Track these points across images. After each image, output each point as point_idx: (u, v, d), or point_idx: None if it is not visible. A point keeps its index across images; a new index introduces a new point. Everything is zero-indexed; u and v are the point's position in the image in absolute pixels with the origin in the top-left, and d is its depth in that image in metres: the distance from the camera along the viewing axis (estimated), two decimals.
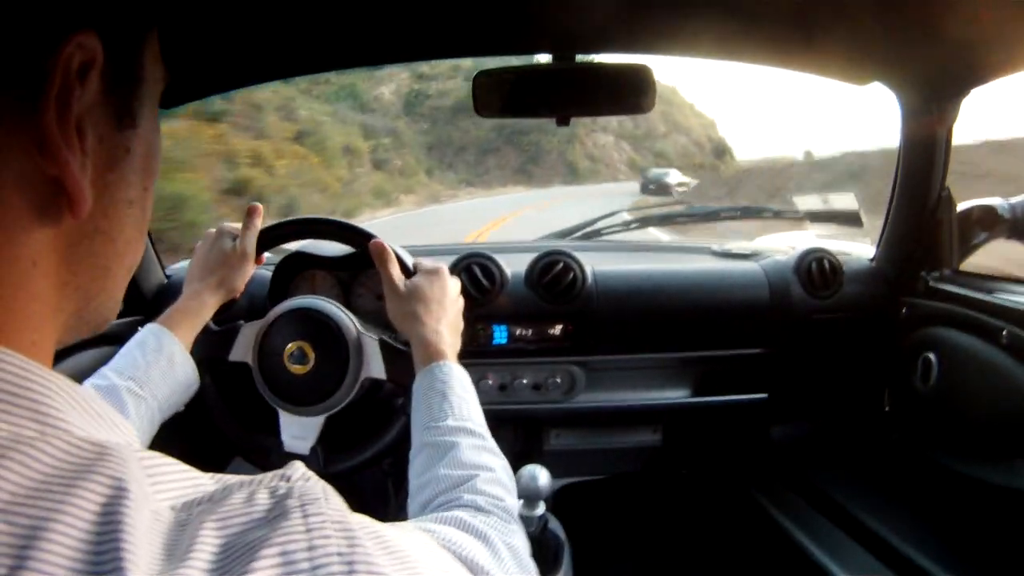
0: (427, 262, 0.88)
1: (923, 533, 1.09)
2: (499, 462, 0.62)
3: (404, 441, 0.78)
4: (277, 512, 0.25)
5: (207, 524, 0.24)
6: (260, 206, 0.92)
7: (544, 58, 1.05)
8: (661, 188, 19.81)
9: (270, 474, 0.28)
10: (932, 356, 1.16)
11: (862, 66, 1.15)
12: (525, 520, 0.95)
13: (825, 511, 1.25)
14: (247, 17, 0.92)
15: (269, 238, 0.94)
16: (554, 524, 1.08)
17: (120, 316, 1.12)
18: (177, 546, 0.23)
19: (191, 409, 0.85)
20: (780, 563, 1.25)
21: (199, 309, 0.85)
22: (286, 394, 0.90)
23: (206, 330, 0.90)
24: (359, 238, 0.92)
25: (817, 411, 1.46)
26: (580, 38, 1.05)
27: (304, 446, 0.90)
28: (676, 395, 1.36)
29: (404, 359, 0.84)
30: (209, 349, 0.91)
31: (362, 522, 0.27)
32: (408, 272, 0.86)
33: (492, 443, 0.65)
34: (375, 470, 0.95)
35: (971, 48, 1.00)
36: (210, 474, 0.28)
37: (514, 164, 35.44)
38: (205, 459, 1.04)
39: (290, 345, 0.88)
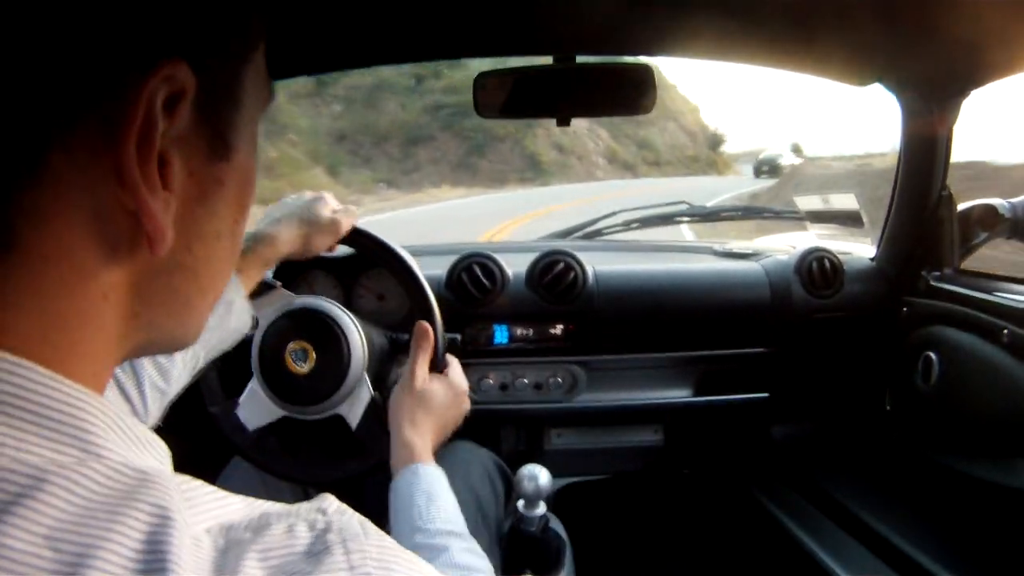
0: (456, 367, 0.89)
1: (924, 532, 1.09)
2: (485, 564, 0.64)
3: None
4: (319, 548, 0.25)
5: (249, 554, 0.24)
6: (355, 209, 0.91)
7: (544, 59, 1.05)
8: (774, 170, 19.59)
9: (305, 506, 0.28)
10: (933, 355, 1.16)
11: (862, 67, 1.16)
12: (526, 520, 0.96)
13: (826, 510, 1.25)
14: None
15: (353, 240, 0.92)
16: (555, 524, 1.08)
17: None
18: (222, 573, 0.23)
19: (191, 410, 0.85)
20: (782, 562, 1.25)
21: (268, 255, 0.82)
22: (287, 393, 0.90)
23: None
24: (419, 300, 0.91)
25: (818, 410, 1.47)
26: (580, 39, 1.05)
27: (253, 424, 0.91)
28: (677, 395, 1.36)
29: (380, 425, 0.86)
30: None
31: (399, 557, 0.27)
32: (436, 365, 0.87)
33: (477, 546, 0.66)
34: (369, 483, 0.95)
35: (972, 48, 1.00)
36: (239, 496, 0.28)
37: (453, 157, 25.27)
38: (204, 457, 1.05)
39: (291, 345, 0.89)
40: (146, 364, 0.63)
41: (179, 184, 0.27)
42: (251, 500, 0.28)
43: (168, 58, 0.24)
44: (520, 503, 0.97)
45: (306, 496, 0.87)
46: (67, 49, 0.22)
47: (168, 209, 0.26)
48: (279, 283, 0.92)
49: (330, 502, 0.28)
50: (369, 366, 0.92)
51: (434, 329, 0.88)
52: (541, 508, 0.96)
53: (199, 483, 0.27)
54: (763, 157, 22.29)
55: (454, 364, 0.90)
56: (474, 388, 1.28)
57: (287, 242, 0.83)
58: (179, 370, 0.68)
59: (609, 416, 1.38)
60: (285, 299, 0.91)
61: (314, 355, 0.89)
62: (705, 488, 1.56)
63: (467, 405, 0.87)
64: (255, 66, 0.30)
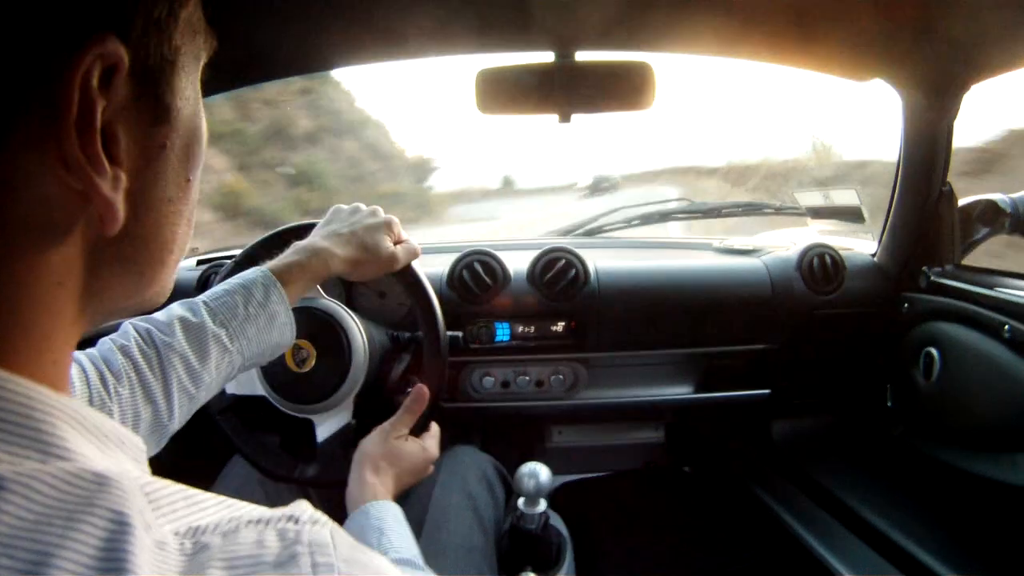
0: (434, 435, 0.90)
1: (925, 529, 1.10)
2: None
3: None
4: (286, 558, 0.25)
5: (215, 562, 0.24)
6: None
7: (545, 55, 1.05)
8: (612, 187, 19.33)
9: (278, 513, 0.27)
10: (934, 351, 1.16)
11: (863, 63, 1.15)
12: (527, 517, 0.96)
13: (828, 507, 1.26)
14: (246, 16, 0.92)
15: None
16: (556, 521, 1.08)
17: None
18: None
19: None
20: (783, 559, 1.25)
21: (320, 272, 0.76)
22: (288, 393, 0.90)
23: None
24: (431, 323, 0.91)
25: (819, 407, 1.47)
26: (581, 36, 1.05)
27: (232, 389, 0.92)
28: (678, 392, 1.36)
29: (344, 449, 0.88)
30: None
31: (368, 568, 0.27)
32: (418, 429, 0.88)
33: (431, 573, 0.65)
34: None
35: (973, 44, 1.00)
36: (211, 495, 0.28)
37: None
38: (205, 458, 1.05)
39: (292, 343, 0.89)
40: (177, 366, 0.61)
41: (125, 155, 0.26)
42: (226, 501, 0.28)
43: (94, 33, 0.24)
44: (521, 501, 0.97)
45: (306, 496, 0.87)
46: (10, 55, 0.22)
47: (118, 186, 0.26)
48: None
49: (303, 510, 0.28)
50: (370, 364, 0.92)
51: (437, 336, 0.89)
52: (542, 505, 0.97)
53: (168, 484, 0.26)
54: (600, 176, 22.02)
55: (434, 431, 0.91)
56: (475, 386, 1.28)
57: (342, 262, 0.77)
58: (211, 376, 0.65)
59: (610, 413, 1.39)
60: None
61: (315, 354, 0.89)
62: (706, 485, 1.57)
63: (430, 471, 0.88)
64: (186, 21, 0.30)
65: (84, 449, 0.25)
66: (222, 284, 0.70)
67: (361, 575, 0.26)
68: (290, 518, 0.27)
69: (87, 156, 0.24)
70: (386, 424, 0.85)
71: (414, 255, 0.85)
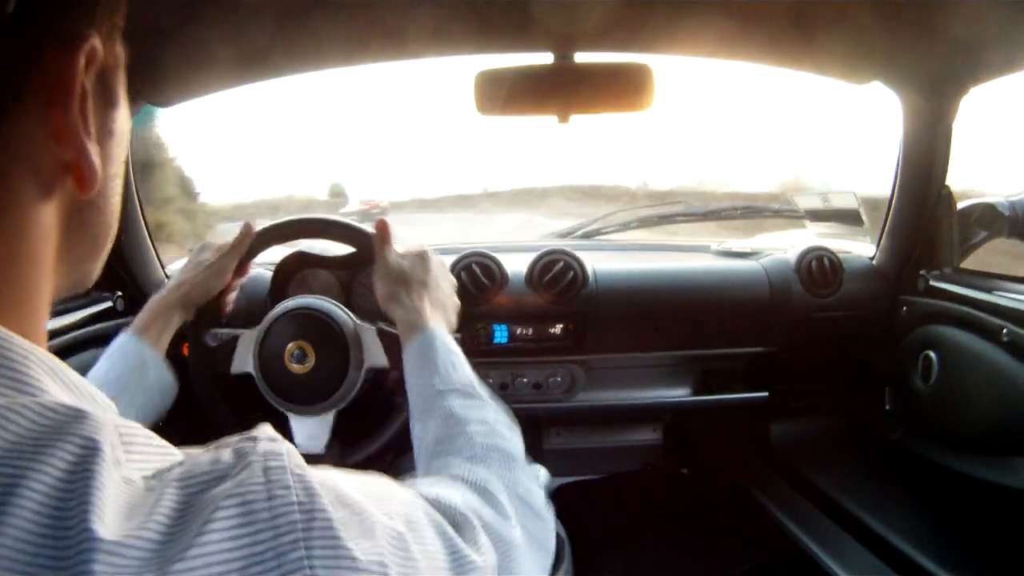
0: (412, 244, 0.87)
1: (923, 532, 1.09)
2: (494, 415, 0.61)
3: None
4: (239, 467, 0.26)
5: (170, 486, 0.25)
6: (251, 224, 0.92)
7: (544, 57, 1.05)
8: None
9: (237, 436, 0.29)
10: (933, 355, 1.16)
11: (862, 65, 1.15)
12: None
13: (826, 510, 1.25)
14: (245, 16, 0.92)
15: (265, 239, 0.94)
16: (554, 523, 1.08)
17: (121, 316, 1.12)
18: (141, 508, 0.24)
19: (192, 420, 0.85)
20: (780, 560, 1.25)
21: (167, 314, 0.85)
22: (290, 395, 0.90)
23: (203, 346, 0.90)
24: (355, 235, 0.93)
25: (818, 410, 1.47)
26: (580, 37, 1.05)
27: (319, 445, 0.90)
28: (676, 394, 1.36)
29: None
30: (210, 365, 0.91)
31: (323, 476, 0.28)
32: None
33: (486, 399, 0.64)
34: (382, 466, 0.95)
35: (972, 47, 1.00)
36: (189, 450, 0.29)
37: None
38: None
39: (290, 346, 0.88)
40: None
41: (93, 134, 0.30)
42: (197, 452, 0.29)
43: (87, 31, 0.29)
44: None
45: None
46: (11, 35, 0.26)
47: (97, 154, 0.30)
48: (238, 331, 0.92)
49: (263, 431, 0.29)
50: (369, 364, 0.92)
51: None
52: None
53: (147, 432, 0.27)
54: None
55: (408, 245, 0.87)
56: None
57: (173, 310, 0.86)
58: None
59: (608, 415, 1.38)
60: (258, 328, 0.91)
61: (313, 355, 0.89)
62: (704, 487, 1.56)
63: (442, 269, 0.85)
64: (119, 29, 0.34)
65: (57, 392, 0.26)
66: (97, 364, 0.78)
67: (314, 479, 0.27)
68: (249, 438, 0.28)
69: (84, 128, 0.29)
70: (375, 272, 0.83)
71: (240, 249, 0.91)
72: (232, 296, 0.97)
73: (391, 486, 0.37)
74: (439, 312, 0.78)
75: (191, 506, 0.24)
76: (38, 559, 0.21)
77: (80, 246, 0.33)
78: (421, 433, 0.61)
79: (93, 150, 0.29)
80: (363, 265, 1.17)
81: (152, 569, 0.22)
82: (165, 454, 0.27)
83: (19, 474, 0.22)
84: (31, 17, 0.26)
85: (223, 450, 0.27)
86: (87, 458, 0.23)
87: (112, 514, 0.23)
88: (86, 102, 0.29)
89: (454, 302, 0.84)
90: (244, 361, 0.91)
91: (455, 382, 0.64)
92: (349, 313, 0.91)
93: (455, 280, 0.87)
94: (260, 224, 0.94)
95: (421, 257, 0.83)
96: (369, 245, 0.88)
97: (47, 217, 0.29)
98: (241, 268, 0.93)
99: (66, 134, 0.28)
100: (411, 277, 0.80)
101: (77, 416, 0.24)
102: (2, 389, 0.25)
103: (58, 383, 0.27)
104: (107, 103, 0.33)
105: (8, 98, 0.26)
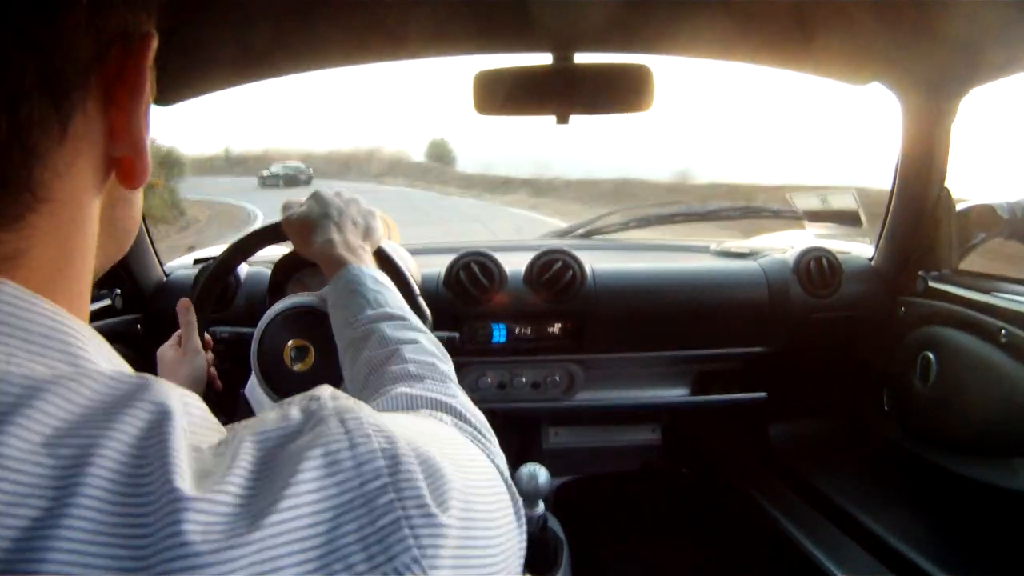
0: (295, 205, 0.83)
1: (921, 532, 1.10)
2: (422, 335, 0.60)
3: None
4: (315, 422, 0.26)
5: (245, 442, 0.25)
6: (187, 300, 0.88)
7: (544, 57, 1.05)
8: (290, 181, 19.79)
9: (298, 396, 0.29)
10: (931, 355, 1.16)
11: (862, 66, 1.15)
12: (525, 519, 0.96)
13: (823, 510, 1.26)
14: (246, 15, 0.92)
15: (201, 303, 0.91)
16: (553, 523, 1.08)
17: (120, 314, 1.12)
18: (217, 467, 0.24)
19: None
20: (778, 561, 1.25)
21: None
22: (286, 393, 0.90)
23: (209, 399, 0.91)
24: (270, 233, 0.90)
25: (816, 410, 1.47)
26: (579, 37, 1.05)
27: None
28: (675, 394, 1.36)
29: None
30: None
31: (395, 421, 0.29)
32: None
33: (415, 321, 0.63)
34: None
35: (971, 48, 1.00)
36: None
37: None
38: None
39: (289, 344, 0.88)
40: None
41: None
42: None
43: (150, 31, 0.30)
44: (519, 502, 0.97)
45: None
46: (86, 32, 0.26)
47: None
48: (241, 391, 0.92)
49: (324, 390, 0.30)
50: None
51: (423, 319, 0.88)
52: (540, 508, 0.96)
53: (199, 400, 0.28)
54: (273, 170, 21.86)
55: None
56: (472, 387, 1.27)
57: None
58: None
59: (607, 415, 1.39)
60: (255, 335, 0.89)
61: (313, 353, 0.89)
62: (702, 487, 1.56)
63: (329, 192, 0.82)
64: None
65: (107, 366, 0.27)
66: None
67: (389, 425, 0.28)
68: (312, 397, 0.29)
69: (145, 124, 0.30)
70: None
71: (193, 326, 0.88)
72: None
73: (458, 441, 0.38)
74: (355, 238, 0.76)
75: (271, 461, 0.25)
76: (122, 521, 0.21)
77: (111, 241, 0.33)
78: (351, 361, 0.60)
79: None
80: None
81: (243, 523, 0.22)
82: (216, 427, 0.28)
83: (92, 442, 0.22)
84: (102, 13, 0.27)
85: (290, 408, 0.28)
86: (160, 422, 0.24)
87: (190, 474, 0.23)
88: (148, 98, 0.30)
89: (370, 224, 0.80)
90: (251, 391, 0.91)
91: (383, 308, 0.63)
92: None
93: (360, 202, 0.83)
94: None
95: (314, 198, 0.80)
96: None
97: (96, 211, 0.30)
98: (208, 339, 0.90)
99: (125, 130, 0.29)
100: (312, 218, 0.77)
101: (143, 383, 0.25)
102: (56, 362, 0.25)
103: (104, 357, 0.28)
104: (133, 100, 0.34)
105: (80, 93, 0.27)
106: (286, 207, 0.81)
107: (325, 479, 0.24)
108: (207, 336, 0.90)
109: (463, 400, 0.49)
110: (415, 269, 1.03)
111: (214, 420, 0.28)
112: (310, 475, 0.24)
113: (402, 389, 0.47)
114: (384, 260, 0.90)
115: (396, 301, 0.66)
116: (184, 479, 0.22)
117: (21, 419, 0.22)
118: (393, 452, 0.26)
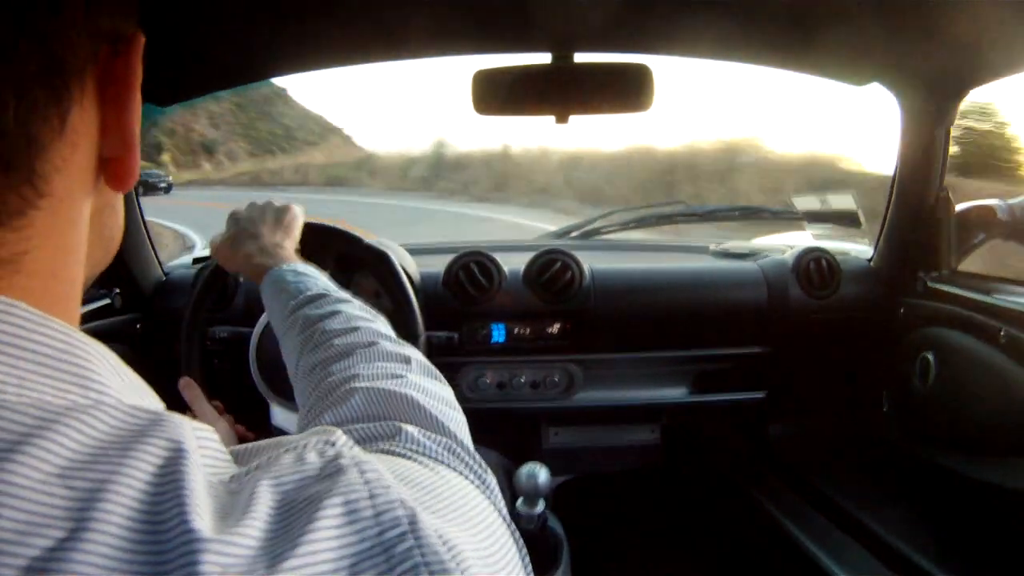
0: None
1: (921, 532, 1.10)
2: (344, 304, 0.61)
3: None
4: (332, 470, 0.26)
5: (261, 484, 0.25)
6: (187, 379, 0.86)
7: (543, 57, 1.05)
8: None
9: (312, 437, 0.29)
10: (930, 356, 1.16)
11: (861, 67, 1.16)
12: (525, 518, 0.96)
13: (823, 509, 1.26)
14: (245, 14, 0.92)
15: (190, 367, 0.90)
16: (553, 522, 1.08)
17: (119, 313, 1.12)
18: (234, 508, 0.24)
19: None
20: (778, 561, 1.25)
21: None
22: (285, 391, 0.90)
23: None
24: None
25: (815, 410, 1.47)
26: (579, 37, 1.05)
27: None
28: (674, 393, 1.36)
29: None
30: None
31: (413, 469, 0.30)
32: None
33: (339, 294, 0.64)
34: None
35: (971, 49, 1.00)
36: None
37: None
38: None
39: None
40: None
41: None
42: (259, 449, 0.29)
43: (137, 28, 0.30)
44: (519, 501, 0.97)
45: None
46: (82, 29, 0.26)
47: None
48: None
49: (337, 435, 0.29)
50: None
51: (413, 322, 0.88)
52: (540, 506, 0.96)
53: (212, 434, 0.28)
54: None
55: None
56: (471, 387, 1.27)
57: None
58: None
59: (606, 414, 1.38)
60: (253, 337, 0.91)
61: None
62: (702, 486, 1.56)
63: (242, 207, 0.83)
64: None
65: (120, 390, 0.26)
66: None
67: (409, 473, 0.28)
68: (326, 442, 0.28)
69: (137, 123, 0.30)
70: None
71: (202, 399, 0.85)
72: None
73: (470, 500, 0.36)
74: (273, 240, 0.77)
75: (289, 506, 0.24)
76: (138, 558, 0.21)
77: (99, 248, 0.33)
78: (291, 349, 0.61)
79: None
80: (357, 267, 1.17)
81: (261, 566, 0.22)
82: (228, 460, 0.27)
83: (108, 476, 0.22)
84: (94, 16, 0.27)
85: (305, 452, 0.27)
86: (175, 460, 0.23)
87: (208, 514, 0.23)
88: (139, 97, 0.30)
89: (282, 219, 0.81)
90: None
91: (305, 293, 0.64)
92: None
93: (272, 202, 0.84)
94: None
95: (230, 218, 0.82)
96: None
97: (87, 214, 0.30)
98: (220, 405, 0.88)
99: (117, 129, 0.29)
100: (230, 237, 0.79)
101: (157, 418, 0.24)
102: (69, 387, 0.24)
103: (117, 378, 0.27)
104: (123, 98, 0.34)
105: (78, 87, 0.27)
106: (211, 241, 0.83)
107: (344, 527, 0.24)
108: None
109: (413, 379, 0.46)
110: (414, 269, 1.03)
111: (226, 454, 0.28)
112: (329, 522, 0.24)
113: (350, 386, 0.45)
114: (386, 271, 0.90)
115: (319, 283, 0.66)
116: (202, 519, 0.22)
117: (35, 449, 0.21)
118: (412, 505, 0.26)
